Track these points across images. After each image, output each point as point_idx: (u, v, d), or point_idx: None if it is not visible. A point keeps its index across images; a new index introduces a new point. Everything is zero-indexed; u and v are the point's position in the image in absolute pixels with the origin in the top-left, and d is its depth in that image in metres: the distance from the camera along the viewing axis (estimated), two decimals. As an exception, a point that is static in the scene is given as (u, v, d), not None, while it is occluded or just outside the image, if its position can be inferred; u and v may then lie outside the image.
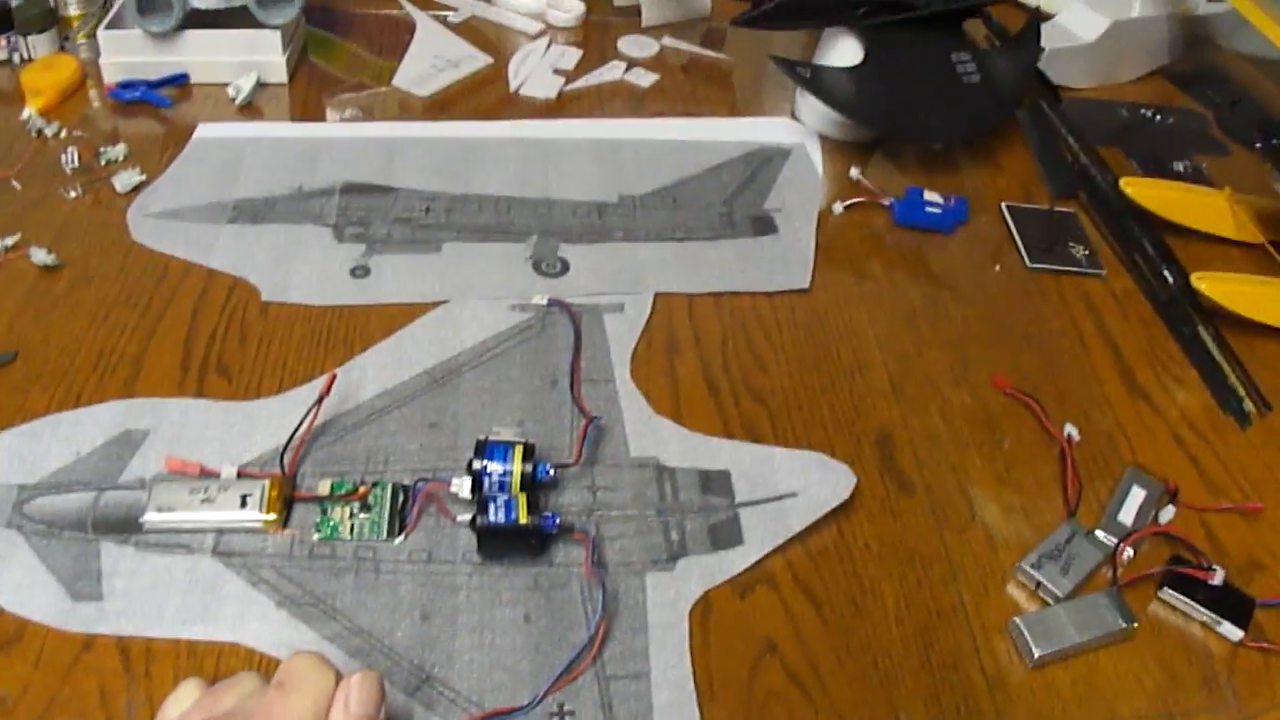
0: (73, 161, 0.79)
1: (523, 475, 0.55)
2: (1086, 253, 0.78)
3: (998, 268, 0.77)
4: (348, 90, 0.90)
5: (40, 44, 0.92)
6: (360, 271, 0.71)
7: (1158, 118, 0.97)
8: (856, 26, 0.84)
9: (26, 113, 0.84)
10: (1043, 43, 0.98)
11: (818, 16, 0.84)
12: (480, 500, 0.53)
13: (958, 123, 0.85)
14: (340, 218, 0.75)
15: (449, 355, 0.65)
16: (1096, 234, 0.81)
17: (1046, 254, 0.78)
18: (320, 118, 0.87)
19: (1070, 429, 0.64)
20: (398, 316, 0.68)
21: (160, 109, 0.87)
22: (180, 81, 0.89)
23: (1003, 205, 0.82)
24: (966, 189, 0.84)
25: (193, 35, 0.88)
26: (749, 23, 0.85)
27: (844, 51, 0.85)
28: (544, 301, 0.69)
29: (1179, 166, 0.90)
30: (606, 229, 0.76)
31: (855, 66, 0.83)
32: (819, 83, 0.82)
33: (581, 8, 1.00)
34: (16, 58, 0.91)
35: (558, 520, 0.53)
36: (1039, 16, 0.95)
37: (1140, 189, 0.79)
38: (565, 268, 0.72)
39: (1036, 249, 0.78)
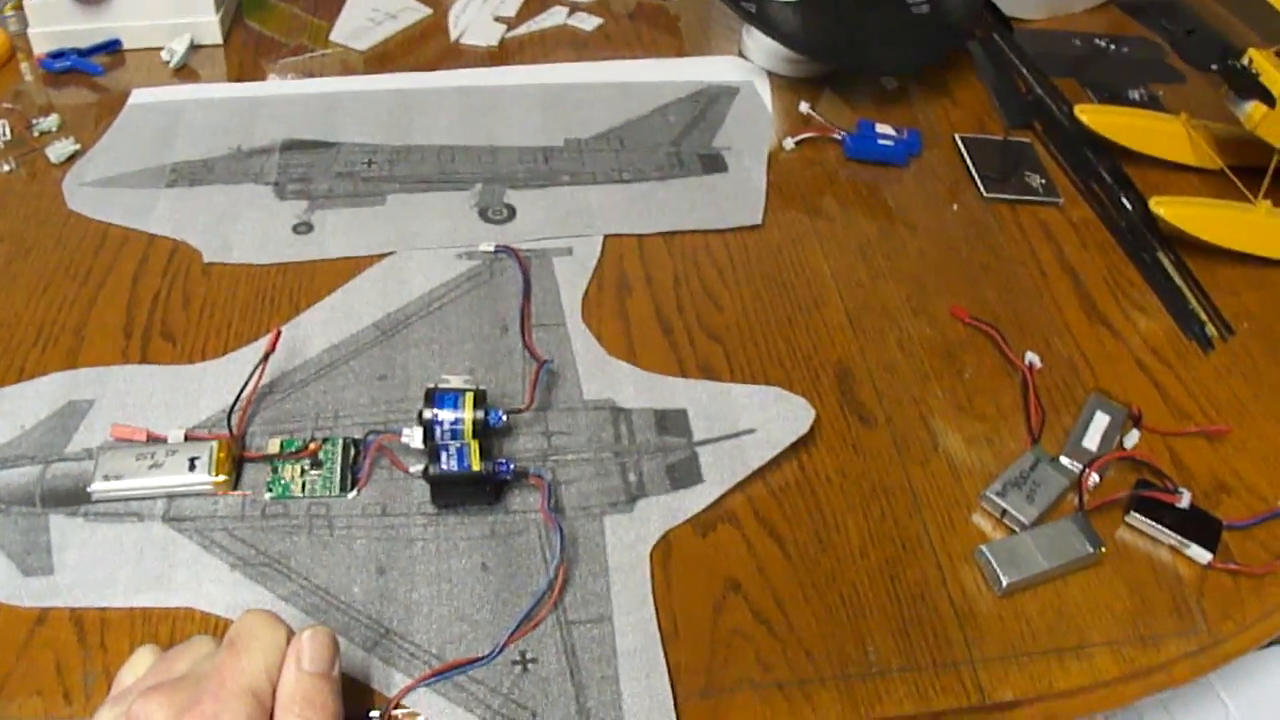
0: (4, 135, 0.77)
1: (474, 423, 0.54)
2: (1043, 182, 0.78)
3: (955, 206, 0.76)
4: (286, 55, 0.87)
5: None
6: (303, 228, 0.69)
7: (1112, 47, 0.97)
8: (803, -41, 0.82)
9: (-48, 86, 0.81)
10: None
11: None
12: (432, 450, 0.52)
13: (908, 54, 0.84)
14: (281, 175, 0.74)
15: (396, 307, 0.64)
16: (1053, 163, 0.80)
17: (1002, 184, 0.77)
18: (259, 79, 0.85)
19: (1031, 356, 0.63)
20: (343, 271, 0.67)
21: (93, 77, 0.84)
22: (113, 48, 0.86)
23: (956, 136, 0.82)
24: (920, 122, 0.83)
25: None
26: None
27: (789, -11, 0.83)
28: (491, 249, 0.67)
29: (1135, 95, 0.89)
30: (553, 173, 0.74)
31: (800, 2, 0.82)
32: (765, 17, 0.81)
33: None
34: (-60, 30, 0.88)
35: (512, 466, 0.53)
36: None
37: (1095, 116, 0.79)
38: (512, 214, 0.71)
39: (992, 179, 0.77)
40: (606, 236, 0.70)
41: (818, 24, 0.81)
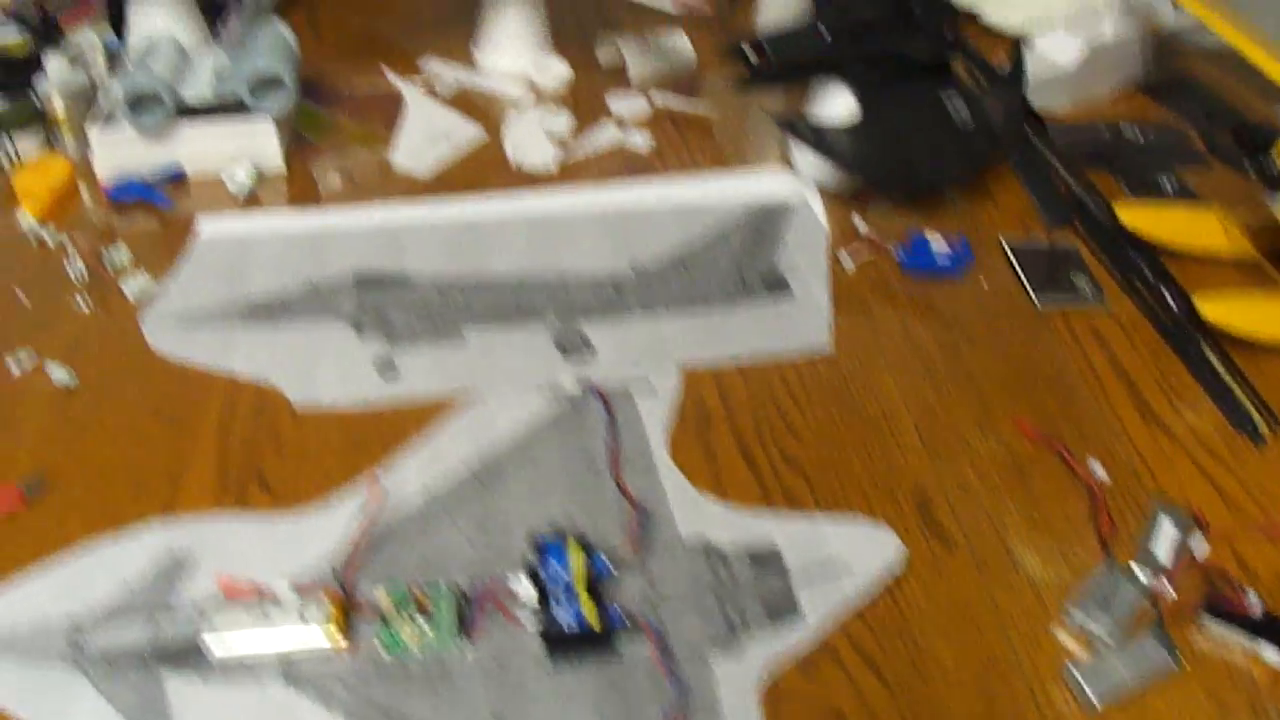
0: (79, 271, 0.80)
1: (583, 573, 0.56)
2: (1090, 284, 0.81)
3: (1009, 316, 0.79)
4: (343, 167, 0.91)
5: (28, 142, 0.92)
6: (386, 367, 0.72)
7: (1139, 136, 1.01)
8: (853, 80, 0.86)
9: (24, 220, 0.85)
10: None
11: (815, 71, 0.87)
12: (543, 603, 0.55)
13: (956, 169, 0.88)
14: (358, 312, 0.77)
15: (487, 449, 0.67)
16: (1096, 262, 0.84)
17: (1052, 290, 0.81)
18: (320, 201, 0.88)
19: (1096, 467, 0.66)
20: (429, 410, 0.70)
21: (159, 209, 0.88)
22: (176, 177, 0.90)
23: (1004, 243, 0.85)
24: (964, 225, 0.87)
25: (186, 128, 0.89)
26: (751, 83, 0.87)
27: (837, 102, 0.87)
28: (575, 389, 0.70)
29: (1165, 183, 0.93)
30: (624, 304, 0.78)
31: (854, 124, 0.85)
32: (823, 142, 0.84)
33: (566, 70, 1.02)
34: (4, 159, 0.92)
35: (622, 615, 0.55)
36: (1020, 48, 0.97)
37: (1135, 216, 0.82)
38: (588, 346, 0.74)
39: (1042, 286, 0.81)
40: (683, 368, 0.73)
41: (871, 146, 0.85)
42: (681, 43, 1.05)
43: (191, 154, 0.90)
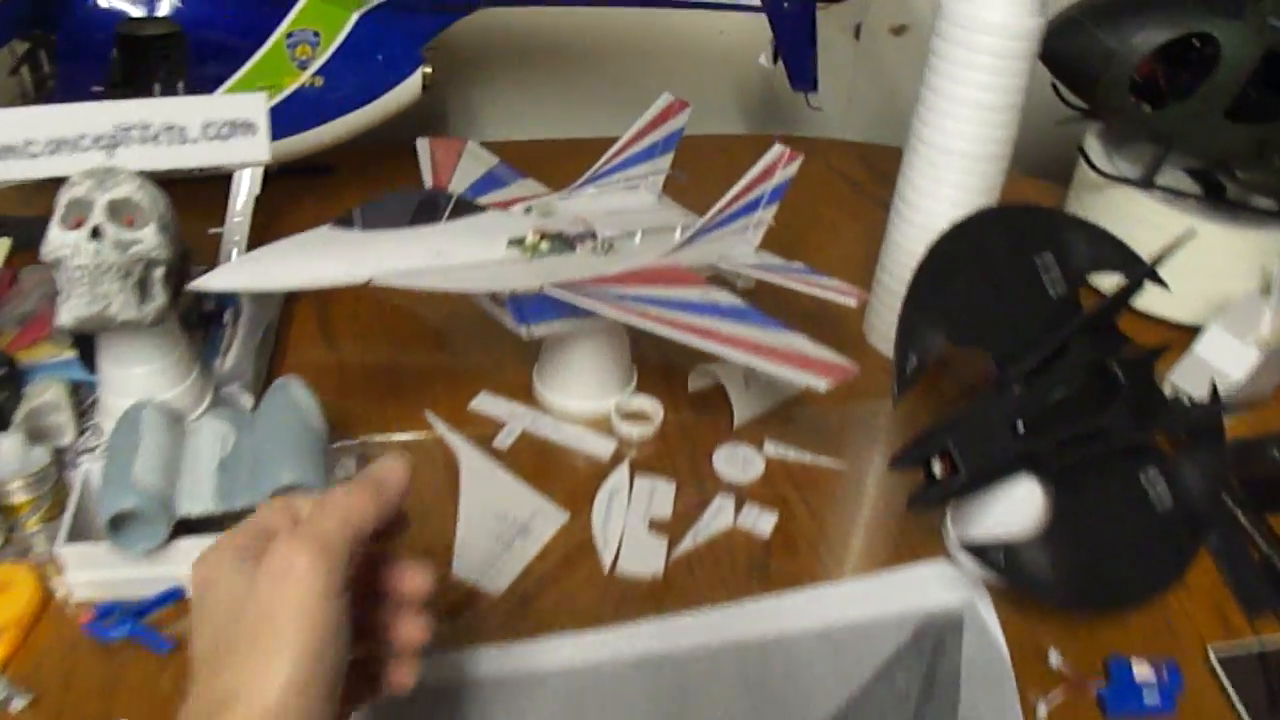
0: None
1: None
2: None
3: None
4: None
5: (-22, 542, 0.71)
6: None
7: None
8: (1045, 474, 0.69)
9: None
10: (1181, 382, 0.88)
11: (1007, 473, 0.69)
12: None
13: (1160, 570, 0.72)
14: None
15: None
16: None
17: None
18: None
19: None
20: None
21: (157, 654, 0.66)
22: (174, 599, 0.69)
23: (1212, 655, 0.69)
24: (1160, 627, 0.72)
25: (186, 544, 0.68)
26: (935, 502, 0.70)
27: (1019, 499, 0.70)
28: None
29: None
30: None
31: (1042, 529, 0.68)
32: (1016, 566, 0.67)
33: (657, 412, 0.84)
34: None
35: None
36: (1216, 390, 0.82)
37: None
38: None
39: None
40: None
41: (1068, 558, 0.67)
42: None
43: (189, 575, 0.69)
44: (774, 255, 0.91)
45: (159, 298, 0.71)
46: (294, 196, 1.14)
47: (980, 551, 0.68)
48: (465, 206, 0.77)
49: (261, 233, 1.06)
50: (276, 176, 1.01)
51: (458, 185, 0.89)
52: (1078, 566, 0.69)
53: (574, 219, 0.84)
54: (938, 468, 0.67)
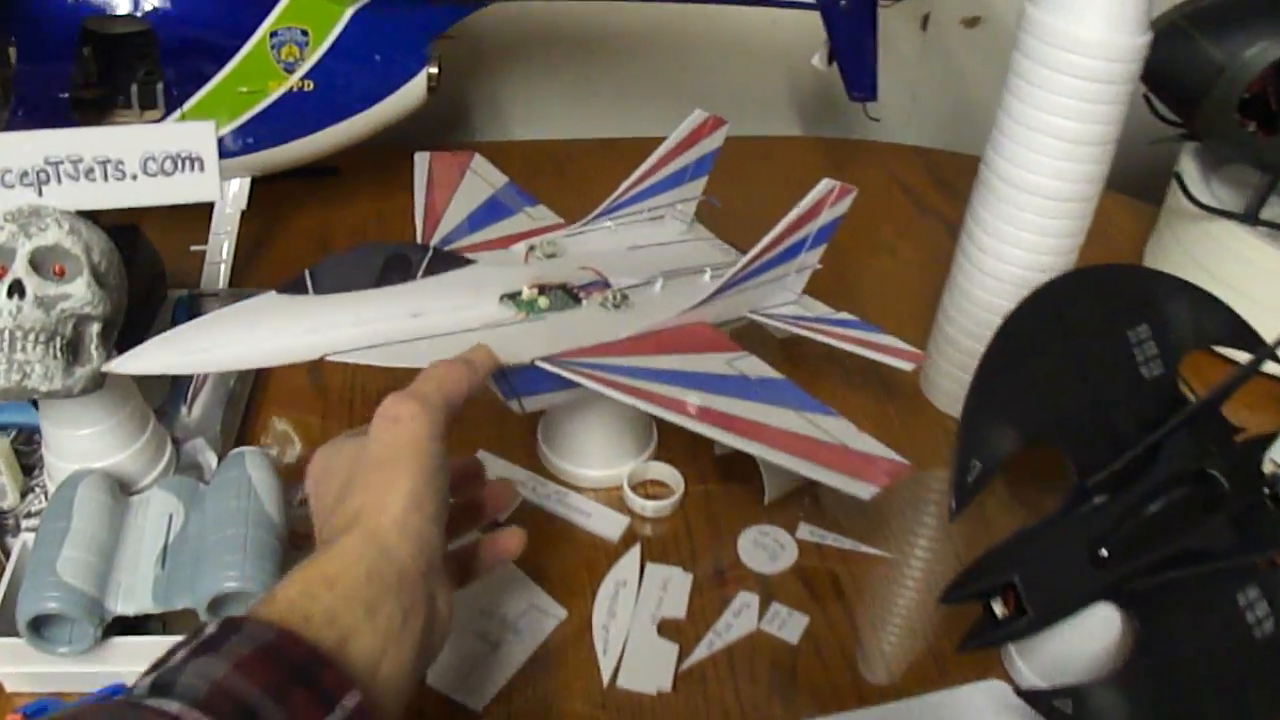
0: None
1: None
2: None
3: None
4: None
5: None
6: None
7: None
8: (1127, 602, 0.58)
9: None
10: None
11: (1081, 606, 0.58)
12: None
13: (1260, 712, 0.60)
14: None
15: None
16: None
17: None
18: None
19: None
20: None
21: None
22: (116, 694, 0.60)
23: None
24: None
25: (123, 643, 0.60)
26: (992, 643, 0.59)
27: (1093, 626, 0.59)
28: None
29: None
30: None
31: (1123, 666, 0.57)
32: (1087, 713, 0.56)
33: (678, 483, 0.74)
34: None
35: None
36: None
37: None
38: None
39: None
40: None
41: (1149, 702, 0.56)
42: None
43: (133, 671, 0.60)
44: (818, 302, 0.81)
45: (93, 360, 0.61)
46: (296, 201, 1.05)
47: (1042, 701, 0.56)
48: (446, 260, 0.66)
49: (254, 246, 0.97)
50: (276, 179, 0.92)
51: (454, 214, 0.78)
52: (1162, 711, 0.57)
53: (584, 263, 0.74)
54: (999, 607, 0.56)
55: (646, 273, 0.74)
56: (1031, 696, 0.57)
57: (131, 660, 0.60)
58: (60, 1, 0.79)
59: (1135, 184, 1.10)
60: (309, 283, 0.61)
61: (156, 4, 0.80)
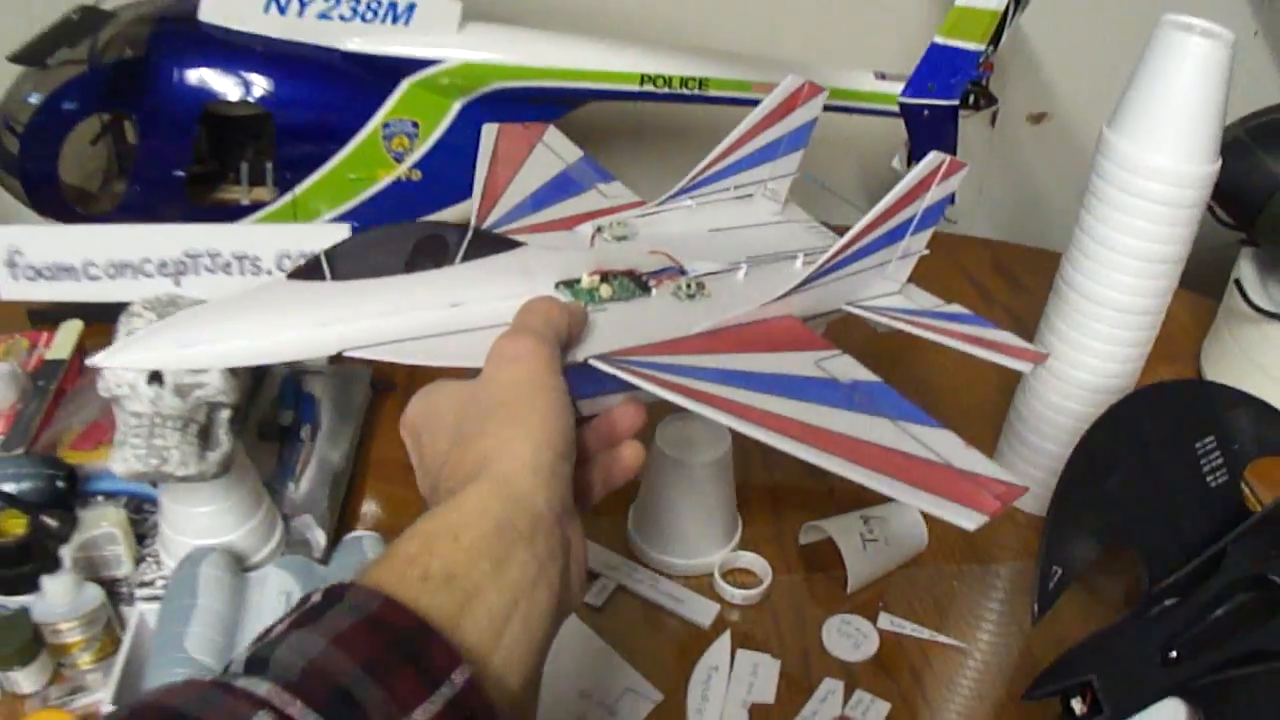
0: None
1: None
2: None
3: None
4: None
5: (26, 680, 0.70)
6: None
7: None
8: (1193, 699, 0.64)
9: None
10: None
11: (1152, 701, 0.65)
12: None
13: None
14: None
15: None
16: None
17: None
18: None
19: None
20: None
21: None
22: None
23: None
24: None
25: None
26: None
27: (1163, 716, 0.65)
28: None
29: None
30: None
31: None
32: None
33: (765, 573, 0.80)
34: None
35: None
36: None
37: None
38: None
39: None
40: None
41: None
42: (912, 521, 0.83)
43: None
44: (923, 291, 0.75)
45: (223, 444, 0.68)
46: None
47: None
48: (490, 242, 0.59)
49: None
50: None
51: (516, 192, 0.73)
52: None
53: (655, 246, 0.68)
54: (1078, 705, 0.63)
55: (729, 258, 0.68)
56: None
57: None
58: (185, 86, 0.87)
59: (1192, 279, 1.18)
60: (325, 268, 0.54)
61: (276, 92, 0.88)
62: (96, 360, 0.55)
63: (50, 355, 0.92)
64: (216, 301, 0.55)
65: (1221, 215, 0.97)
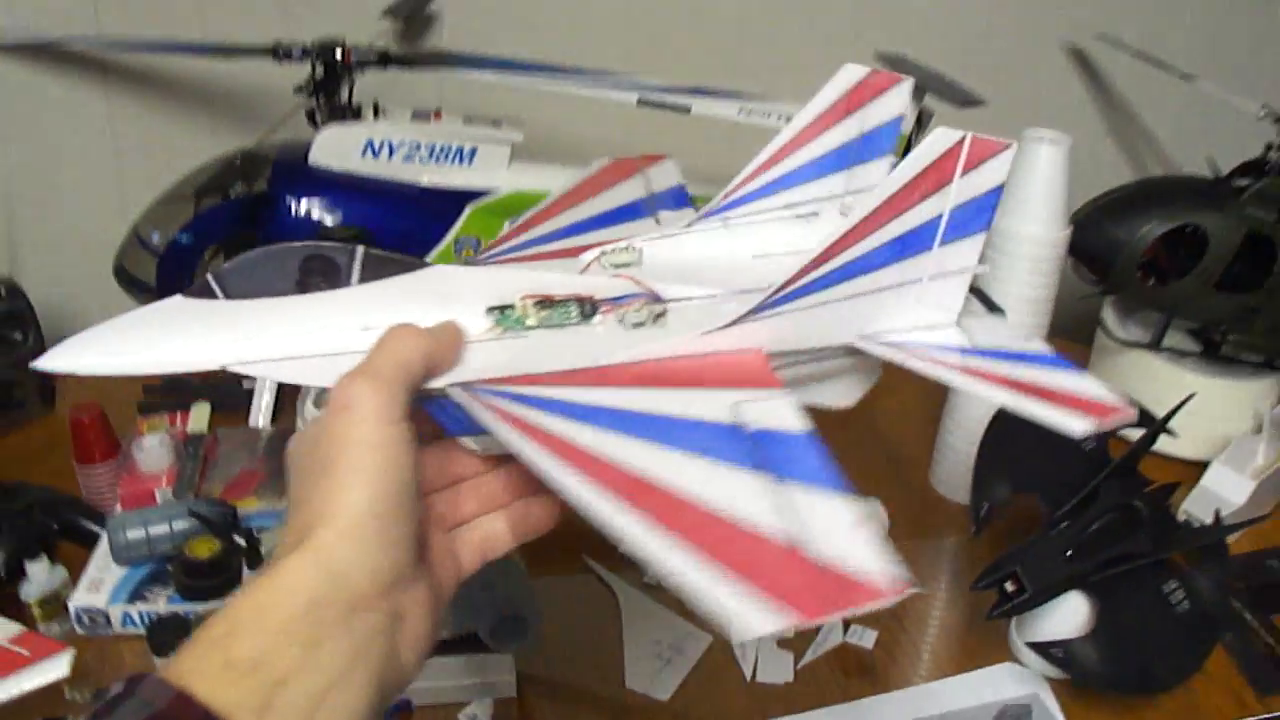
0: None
1: None
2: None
3: None
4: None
5: None
6: None
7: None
8: (1090, 590, 0.94)
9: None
10: (1193, 509, 1.15)
11: (1061, 591, 0.94)
12: None
13: (1185, 661, 0.96)
14: None
15: None
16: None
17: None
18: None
19: None
20: None
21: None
22: (402, 709, 0.91)
23: None
24: (1185, 704, 0.96)
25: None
26: (1007, 614, 0.95)
27: (1070, 607, 0.95)
28: None
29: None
30: None
31: (1092, 632, 0.93)
32: (1072, 660, 0.92)
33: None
34: None
35: None
36: (1220, 517, 1.08)
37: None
38: None
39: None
40: None
41: (1110, 654, 0.92)
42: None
43: (423, 687, 0.91)
44: (1004, 324, 0.64)
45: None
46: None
47: (1044, 649, 0.93)
48: (387, 263, 0.55)
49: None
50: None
51: (567, 218, 0.71)
52: (1119, 659, 0.93)
53: (673, 274, 0.60)
54: (1010, 587, 0.92)
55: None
56: (1038, 647, 0.93)
57: (423, 678, 0.91)
58: (308, 217, 1.16)
59: (1070, 329, 1.51)
60: (215, 287, 0.53)
61: (372, 216, 1.17)
62: (38, 365, 0.53)
63: (192, 429, 1.19)
64: (134, 314, 0.54)
65: (1085, 274, 1.30)
